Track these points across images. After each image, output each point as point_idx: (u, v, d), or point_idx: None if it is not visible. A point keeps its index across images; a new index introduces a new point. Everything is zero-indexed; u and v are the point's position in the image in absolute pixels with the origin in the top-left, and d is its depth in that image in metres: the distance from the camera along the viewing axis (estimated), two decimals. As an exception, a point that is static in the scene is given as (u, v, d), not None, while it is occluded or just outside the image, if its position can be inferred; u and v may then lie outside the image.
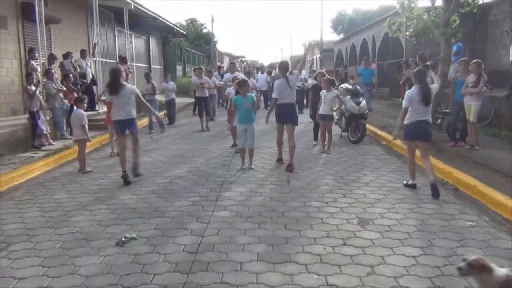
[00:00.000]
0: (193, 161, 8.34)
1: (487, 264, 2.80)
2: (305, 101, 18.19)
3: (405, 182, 6.42)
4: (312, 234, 4.49)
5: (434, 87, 6.23)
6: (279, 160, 8.05)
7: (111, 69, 6.98)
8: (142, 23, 19.78)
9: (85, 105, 8.09)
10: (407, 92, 6.28)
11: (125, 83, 6.95)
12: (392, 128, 10.99)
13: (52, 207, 5.63)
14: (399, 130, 6.42)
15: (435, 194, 5.73)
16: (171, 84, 14.35)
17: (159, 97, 13.88)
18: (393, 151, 9.11)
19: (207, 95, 12.90)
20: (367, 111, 10.36)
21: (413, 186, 6.23)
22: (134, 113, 6.90)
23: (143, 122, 13.94)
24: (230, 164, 7.97)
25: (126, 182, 6.70)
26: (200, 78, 12.73)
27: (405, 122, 6.10)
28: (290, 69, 7.74)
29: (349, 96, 10.24)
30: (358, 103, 9.98)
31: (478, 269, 2.80)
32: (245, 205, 5.49)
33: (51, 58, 11.36)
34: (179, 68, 30.95)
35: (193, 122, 14.18)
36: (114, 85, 6.75)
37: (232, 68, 14.57)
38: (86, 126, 7.81)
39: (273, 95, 7.73)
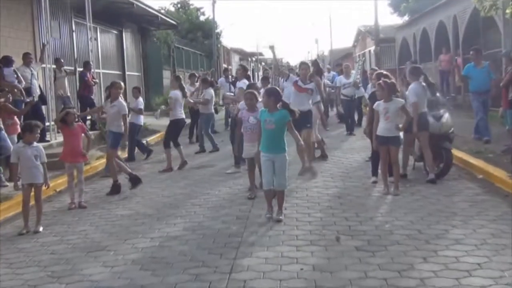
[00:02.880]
0: (193, 213, 8.36)
1: None
2: (356, 117, 18.23)
3: (428, 179, 9.30)
4: (380, 321, 4.41)
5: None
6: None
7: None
8: (112, 11, 20.19)
9: (38, 135, 8.22)
10: (410, 88, 9.35)
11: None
12: (490, 154, 10.86)
13: (-15, 288, 5.66)
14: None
15: (432, 181, 9.14)
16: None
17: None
18: (495, 188, 9.00)
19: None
20: (452, 129, 10.16)
21: (433, 181, 9.18)
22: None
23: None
24: (248, 216, 7.96)
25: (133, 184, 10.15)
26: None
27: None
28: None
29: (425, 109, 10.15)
30: (438, 118, 9.85)
31: None
32: (274, 279, 5.44)
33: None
34: (166, 74, 31.31)
35: (188, 154, 14.27)
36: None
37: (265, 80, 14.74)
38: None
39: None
